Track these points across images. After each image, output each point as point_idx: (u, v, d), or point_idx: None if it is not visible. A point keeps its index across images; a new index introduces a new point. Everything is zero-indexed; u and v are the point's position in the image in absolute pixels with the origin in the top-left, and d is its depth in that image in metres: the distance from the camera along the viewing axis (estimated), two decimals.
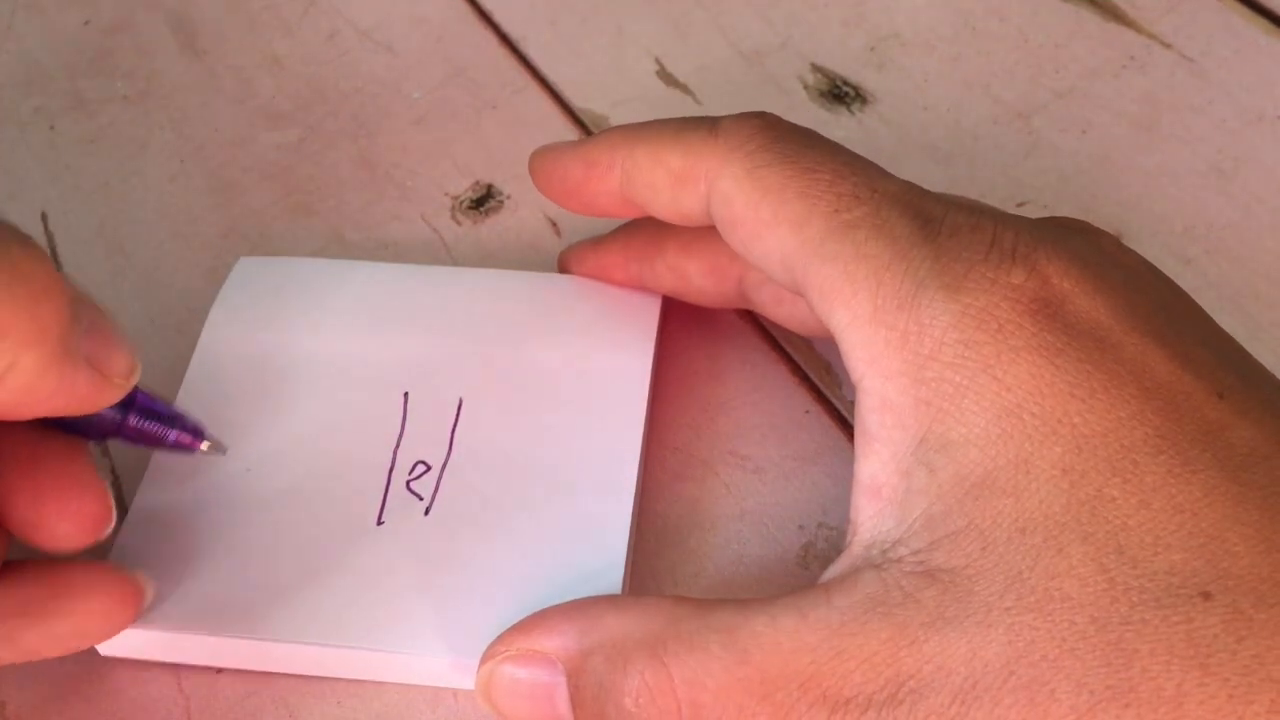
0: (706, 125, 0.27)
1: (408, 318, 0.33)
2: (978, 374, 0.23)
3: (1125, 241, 0.35)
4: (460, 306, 0.33)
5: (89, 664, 0.28)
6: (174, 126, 0.41)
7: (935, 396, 0.24)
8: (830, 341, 0.26)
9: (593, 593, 0.27)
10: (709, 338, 0.34)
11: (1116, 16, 0.42)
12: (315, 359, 0.32)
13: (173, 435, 0.27)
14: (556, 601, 0.26)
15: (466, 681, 0.27)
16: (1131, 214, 0.36)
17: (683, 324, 0.34)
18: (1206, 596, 0.21)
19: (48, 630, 0.25)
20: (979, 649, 0.22)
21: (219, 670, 0.28)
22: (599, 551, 0.28)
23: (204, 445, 0.27)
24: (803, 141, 0.27)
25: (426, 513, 0.29)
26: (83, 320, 0.23)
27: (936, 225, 0.25)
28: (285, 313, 0.33)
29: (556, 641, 0.25)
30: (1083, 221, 0.28)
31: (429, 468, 0.30)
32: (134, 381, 0.24)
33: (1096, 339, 0.24)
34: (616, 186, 0.29)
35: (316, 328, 0.33)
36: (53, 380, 0.22)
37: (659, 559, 0.30)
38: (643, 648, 0.24)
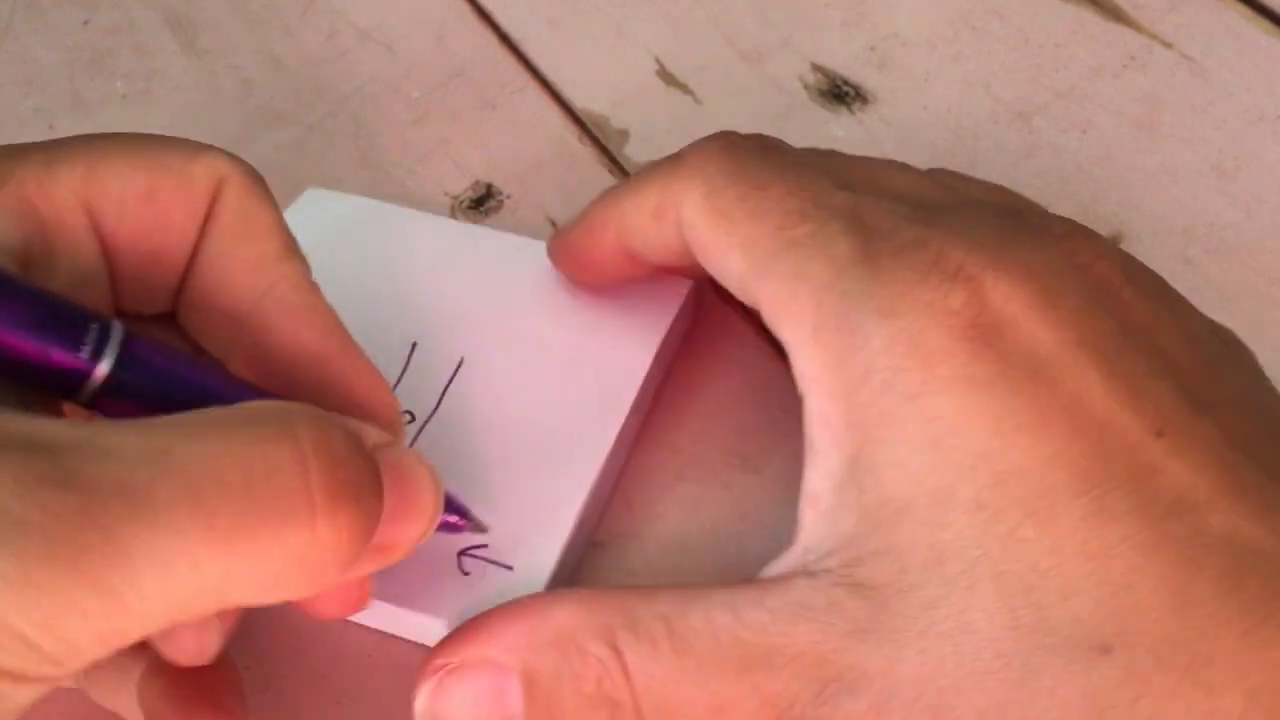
0: (674, 158, 0.28)
1: (437, 271, 0.33)
2: (904, 402, 0.23)
3: (1126, 241, 0.36)
4: (490, 268, 0.33)
5: None
6: (174, 126, 0.41)
7: (865, 421, 0.24)
8: None
9: (524, 565, 0.27)
10: (709, 337, 0.34)
11: (1117, 16, 0.41)
12: (342, 293, 0.32)
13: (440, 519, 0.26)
14: (486, 565, 0.27)
15: (397, 628, 0.28)
16: (1131, 214, 0.36)
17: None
18: (1106, 650, 0.21)
19: None
20: (894, 664, 0.22)
21: None
22: (543, 527, 0.28)
23: (468, 528, 0.27)
24: (759, 157, 0.27)
25: None
26: (395, 511, 0.23)
27: (881, 242, 0.25)
28: (329, 243, 0.34)
29: (502, 643, 0.24)
30: (1069, 223, 0.27)
31: (413, 418, 0.30)
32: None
33: (1031, 370, 0.23)
34: (614, 241, 0.30)
35: (353, 264, 0.34)
36: (331, 586, 0.22)
37: (660, 559, 0.30)
38: (596, 635, 0.24)
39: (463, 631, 0.25)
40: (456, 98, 0.41)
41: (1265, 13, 0.41)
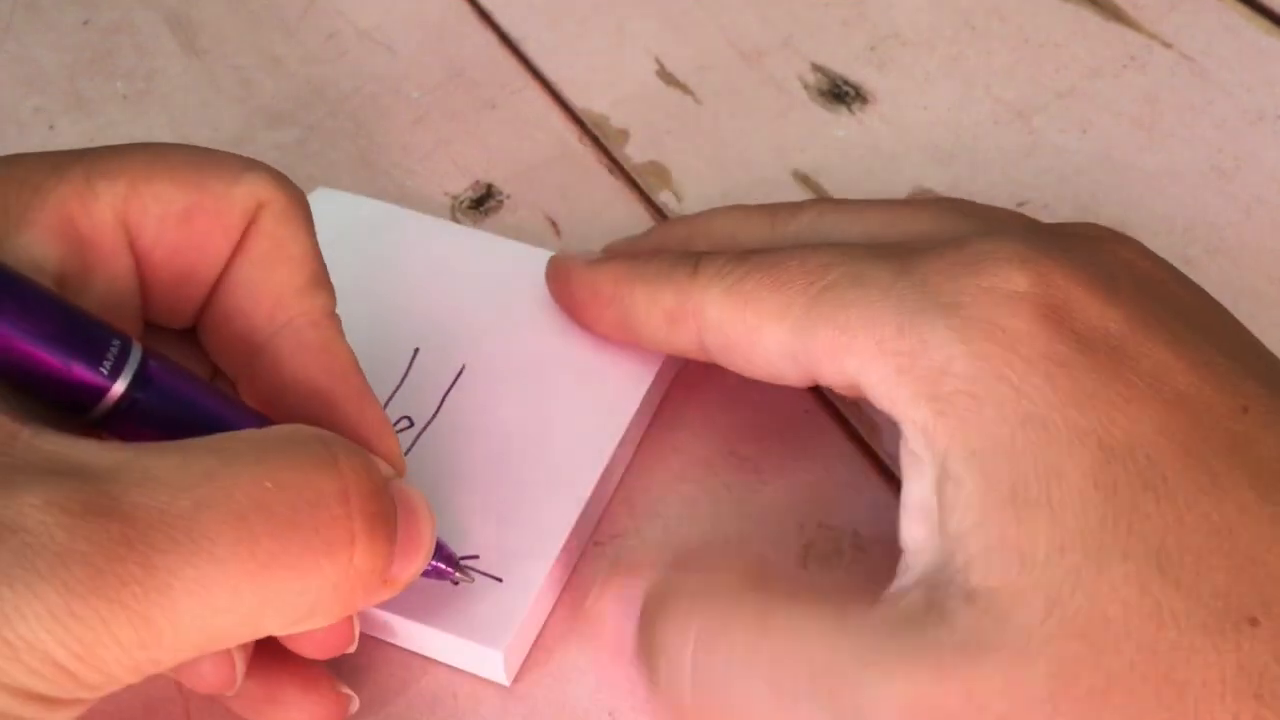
0: (690, 263, 0.28)
1: (444, 277, 0.33)
2: (994, 383, 0.23)
3: None
4: (497, 277, 0.33)
5: None
6: (174, 126, 0.41)
7: (954, 409, 0.23)
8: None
9: (513, 577, 0.27)
10: None
11: (1116, 16, 0.42)
12: (349, 295, 0.32)
13: (430, 566, 0.26)
14: (476, 575, 0.27)
15: (384, 633, 0.28)
16: (1132, 214, 0.36)
17: None
18: (1254, 622, 0.20)
19: None
20: (1017, 681, 0.21)
21: None
22: (535, 541, 0.28)
23: (456, 577, 0.27)
24: (764, 248, 0.28)
25: None
26: (400, 547, 0.23)
27: (917, 256, 0.25)
28: (336, 245, 0.34)
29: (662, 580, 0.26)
30: (1104, 228, 0.28)
31: (411, 424, 0.30)
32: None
33: (1110, 349, 0.23)
34: (616, 318, 0.30)
35: (360, 266, 0.33)
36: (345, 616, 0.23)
37: (660, 558, 0.30)
38: (690, 601, 0.24)
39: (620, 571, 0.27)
40: (456, 98, 0.41)
41: (1265, 13, 0.41)
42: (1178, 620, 0.21)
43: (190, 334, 0.27)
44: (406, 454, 0.30)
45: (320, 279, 0.26)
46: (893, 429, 0.25)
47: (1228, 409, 0.23)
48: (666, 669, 0.24)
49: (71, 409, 0.22)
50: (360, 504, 0.21)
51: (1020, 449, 0.22)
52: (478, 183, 0.39)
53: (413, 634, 0.28)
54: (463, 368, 0.31)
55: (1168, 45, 0.40)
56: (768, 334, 0.26)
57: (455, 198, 0.38)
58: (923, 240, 0.26)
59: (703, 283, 0.27)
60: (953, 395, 0.23)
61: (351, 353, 0.26)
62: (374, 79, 0.42)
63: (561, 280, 0.32)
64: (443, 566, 0.26)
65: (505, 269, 0.33)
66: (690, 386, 0.33)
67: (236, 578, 0.20)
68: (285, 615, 0.21)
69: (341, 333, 0.26)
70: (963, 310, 0.23)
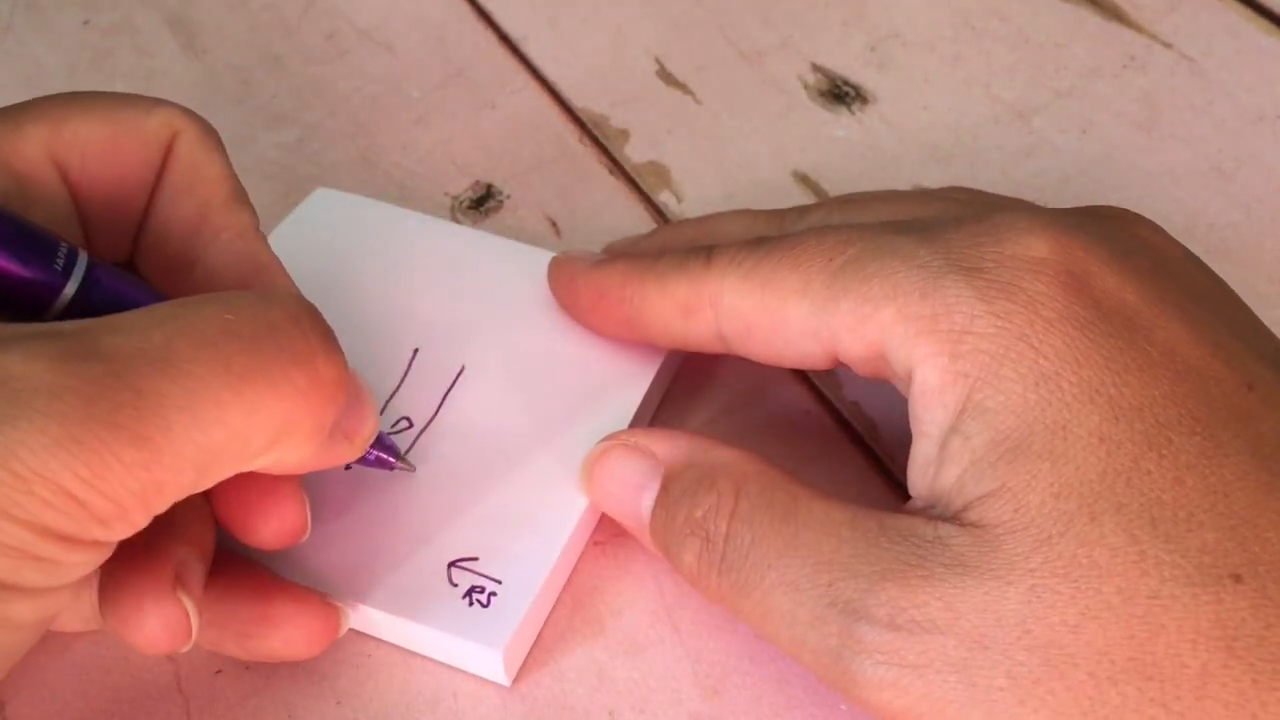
0: (703, 254, 0.28)
1: (443, 277, 0.33)
2: (1014, 342, 0.24)
3: None
4: (497, 277, 0.33)
5: (87, 665, 0.28)
6: None
7: (973, 368, 0.24)
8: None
9: (513, 579, 0.28)
10: None
11: (1116, 16, 0.42)
12: (348, 296, 0.32)
13: (372, 455, 0.28)
14: (476, 577, 0.28)
15: (388, 634, 0.28)
16: None
17: None
18: (1237, 579, 0.21)
19: (259, 645, 0.27)
20: (993, 602, 0.22)
21: (218, 671, 0.28)
22: (534, 543, 0.28)
23: (399, 465, 0.28)
24: (777, 234, 0.28)
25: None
26: (349, 404, 0.25)
27: (937, 229, 0.26)
28: (336, 246, 0.34)
29: (668, 448, 0.27)
30: (1121, 209, 0.28)
31: (411, 424, 0.30)
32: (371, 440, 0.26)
33: (1126, 318, 0.24)
34: (625, 316, 0.30)
35: (360, 266, 0.34)
36: (316, 458, 0.24)
37: (660, 558, 0.30)
38: (730, 478, 0.26)
39: (645, 428, 0.29)
40: (456, 98, 0.41)
41: (1265, 13, 0.41)
42: (1161, 570, 0.22)
43: (132, 270, 0.28)
44: (406, 454, 0.30)
45: (241, 197, 0.27)
46: (903, 441, 0.25)
47: (1234, 384, 0.23)
48: (701, 542, 0.25)
49: (27, 312, 0.24)
50: (311, 324, 0.23)
51: (1033, 405, 0.23)
52: (478, 183, 0.39)
53: (412, 634, 0.28)
54: (463, 368, 0.31)
55: (1168, 45, 0.40)
56: (789, 313, 0.26)
57: (455, 198, 0.38)
58: (937, 221, 0.26)
59: (718, 271, 0.28)
60: (972, 354, 0.24)
61: (280, 262, 0.27)
62: (374, 79, 0.42)
63: (565, 281, 0.32)
64: (385, 456, 0.28)
65: (505, 269, 0.33)
66: (691, 386, 0.33)
67: (218, 391, 0.21)
68: (268, 427, 0.22)
69: (268, 246, 0.27)
70: (985, 274, 0.24)
